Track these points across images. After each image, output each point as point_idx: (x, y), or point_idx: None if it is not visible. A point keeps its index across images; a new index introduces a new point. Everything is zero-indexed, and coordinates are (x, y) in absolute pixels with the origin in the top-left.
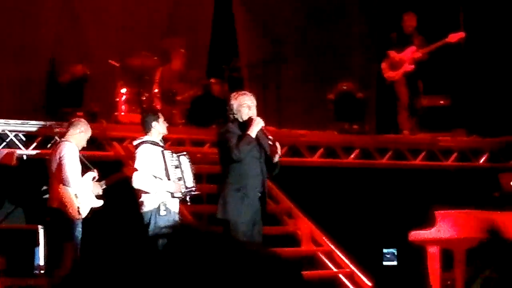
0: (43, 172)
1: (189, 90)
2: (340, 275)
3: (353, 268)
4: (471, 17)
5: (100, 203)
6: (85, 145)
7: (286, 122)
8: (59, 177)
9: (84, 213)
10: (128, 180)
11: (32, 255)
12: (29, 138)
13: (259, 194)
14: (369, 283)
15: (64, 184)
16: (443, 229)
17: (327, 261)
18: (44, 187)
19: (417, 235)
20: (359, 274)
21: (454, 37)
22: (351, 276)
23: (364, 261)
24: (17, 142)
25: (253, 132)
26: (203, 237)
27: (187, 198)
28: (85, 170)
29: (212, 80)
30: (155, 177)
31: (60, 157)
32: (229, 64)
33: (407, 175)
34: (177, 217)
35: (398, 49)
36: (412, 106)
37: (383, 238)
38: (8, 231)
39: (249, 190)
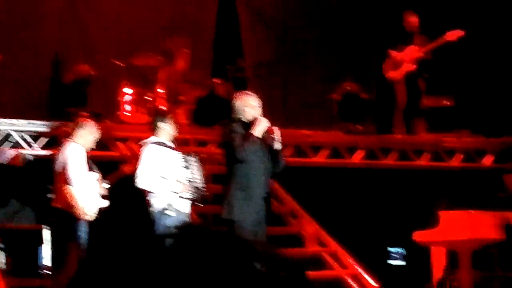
0: (48, 172)
1: (193, 90)
2: (346, 276)
3: (358, 268)
4: (475, 17)
5: (106, 203)
6: (93, 147)
7: (291, 122)
8: (63, 177)
9: (90, 213)
10: (129, 177)
11: (38, 255)
12: (34, 138)
13: (264, 195)
14: (375, 284)
15: (68, 184)
16: (447, 229)
17: (332, 262)
18: (49, 187)
19: (421, 235)
20: (364, 274)
21: (452, 35)
22: (356, 277)
23: (369, 262)
24: (22, 142)
25: (257, 131)
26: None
27: (199, 200)
28: (89, 170)
29: (216, 81)
30: (161, 177)
31: (65, 158)
32: (233, 64)
33: (412, 176)
34: (185, 218)
35: (400, 48)
36: (415, 107)
37: (388, 238)
38: (13, 231)
39: (254, 190)
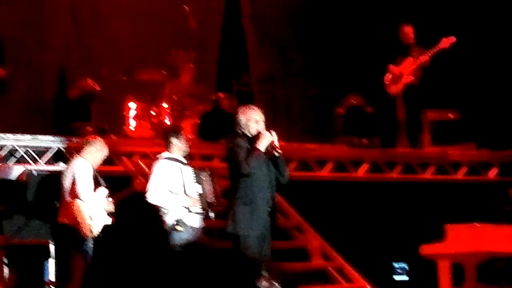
0: (53, 187)
1: (198, 105)
2: None
3: (364, 282)
4: (480, 30)
5: (110, 220)
6: (100, 164)
7: (295, 136)
8: (72, 193)
9: (96, 232)
10: (138, 194)
11: (43, 270)
12: (39, 153)
13: (269, 209)
14: None
15: (79, 199)
16: (453, 243)
17: (337, 276)
18: (55, 202)
19: (428, 249)
20: None
21: (445, 43)
22: None
23: (374, 276)
24: (27, 157)
25: (261, 146)
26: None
27: (211, 214)
28: (96, 187)
29: (221, 95)
30: (172, 192)
31: (73, 174)
32: (238, 79)
33: (417, 189)
34: (196, 233)
35: (398, 61)
36: (415, 119)
37: (393, 252)
38: (19, 247)
39: (259, 204)
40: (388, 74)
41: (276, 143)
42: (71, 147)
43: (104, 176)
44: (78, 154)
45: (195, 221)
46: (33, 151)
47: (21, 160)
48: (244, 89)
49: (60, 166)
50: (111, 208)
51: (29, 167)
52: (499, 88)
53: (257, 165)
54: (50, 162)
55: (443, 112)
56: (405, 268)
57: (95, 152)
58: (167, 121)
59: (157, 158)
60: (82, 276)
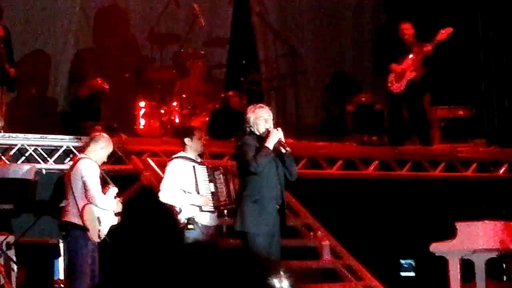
0: (62, 186)
1: (208, 103)
2: None
3: (374, 280)
4: (491, 28)
5: (116, 220)
6: (105, 160)
7: (305, 134)
8: (80, 195)
9: (102, 236)
10: (148, 193)
11: (52, 268)
12: (48, 152)
13: (277, 206)
14: None
15: (91, 203)
16: (463, 240)
17: (347, 274)
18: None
19: (438, 246)
20: (380, 286)
21: (444, 34)
22: None
23: (383, 273)
24: (36, 156)
25: (270, 144)
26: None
27: (225, 212)
28: (104, 186)
29: (231, 93)
30: (184, 191)
31: (82, 176)
32: (247, 77)
33: (427, 186)
34: (206, 231)
35: (400, 60)
36: (420, 115)
37: (403, 249)
38: (28, 245)
39: (267, 202)
40: (391, 73)
41: (283, 139)
42: (80, 146)
43: (114, 175)
44: (83, 153)
45: (207, 219)
46: (42, 150)
47: (30, 159)
48: (253, 87)
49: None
50: (119, 208)
51: (38, 166)
52: (510, 84)
53: (266, 163)
54: (59, 161)
55: (454, 109)
56: (412, 264)
57: (100, 149)
58: (177, 120)
59: (171, 158)
60: (89, 274)
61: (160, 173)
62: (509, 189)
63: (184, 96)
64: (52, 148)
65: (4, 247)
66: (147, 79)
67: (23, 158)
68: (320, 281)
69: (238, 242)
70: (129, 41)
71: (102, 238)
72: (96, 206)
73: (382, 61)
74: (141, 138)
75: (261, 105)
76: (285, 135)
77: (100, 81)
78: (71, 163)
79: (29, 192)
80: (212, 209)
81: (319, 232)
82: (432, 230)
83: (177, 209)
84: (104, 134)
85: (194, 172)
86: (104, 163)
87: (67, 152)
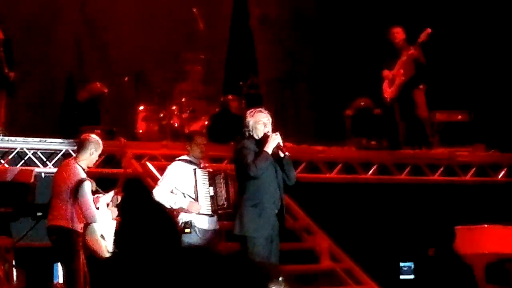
0: None
1: (207, 107)
2: None
3: (373, 284)
4: (491, 33)
5: (114, 224)
6: (97, 159)
7: (304, 138)
8: (66, 198)
9: (111, 249)
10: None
11: (52, 272)
12: (48, 156)
13: (276, 210)
14: None
15: (89, 222)
16: (462, 244)
17: (346, 278)
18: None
19: (437, 250)
20: None
21: (424, 36)
22: None
23: (382, 277)
24: (35, 160)
25: (269, 148)
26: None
27: (221, 216)
28: (94, 194)
29: (230, 97)
30: (184, 193)
31: (78, 196)
32: (246, 81)
33: (426, 191)
34: (204, 235)
35: (392, 65)
36: (413, 117)
37: (402, 253)
38: (27, 249)
39: (266, 206)
40: (385, 80)
41: (281, 144)
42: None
43: (112, 179)
44: (73, 158)
45: (206, 223)
46: (41, 153)
47: (29, 163)
48: (252, 91)
49: None
50: (115, 213)
51: (37, 169)
52: (509, 89)
53: (265, 168)
54: (58, 164)
55: (453, 113)
56: (411, 267)
57: (90, 156)
58: (176, 124)
59: (174, 160)
60: (84, 277)
61: (159, 177)
62: (508, 193)
63: (183, 100)
64: (51, 151)
65: (3, 251)
66: (147, 83)
67: (22, 161)
68: (319, 285)
69: (238, 246)
70: (128, 44)
71: (111, 252)
72: (95, 223)
73: (383, 64)
74: (140, 142)
75: (260, 109)
76: (284, 139)
77: (99, 85)
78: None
79: (28, 195)
80: (208, 212)
81: (318, 236)
82: (431, 234)
83: (178, 212)
84: (91, 136)
85: (195, 175)
86: (100, 165)
87: (66, 156)
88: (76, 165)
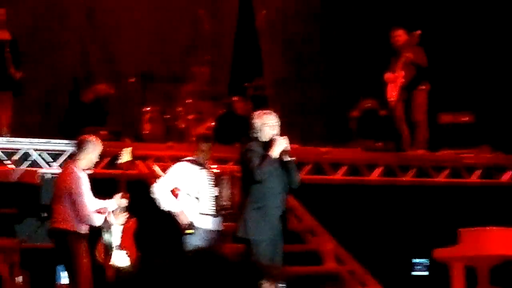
0: None
1: (213, 108)
2: None
3: (378, 286)
4: (495, 34)
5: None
6: (98, 160)
7: (310, 139)
8: (67, 202)
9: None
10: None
11: (55, 274)
12: (53, 157)
13: (280, 213)
14: None
15: (85, 223)
16: (466, 246)
17: (350, 279)
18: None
19: (441, 252)
20: None
21: (414, 38)
22: None
23: (387, 279)
24: (41, 161)
25: (275, 152)
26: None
27: (224, 216)
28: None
29: (235, 98)
30: (188, 194)
31: (73, 196)
32: (252, 82)
33: (431, 192)
34: (207, 235)
35: (392, 68)
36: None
37: (407, 255)
38: (32, 250)
39: (269, 209)
40: (388, 83)
41: (288, 148)
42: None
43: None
44: (72, 161)
45: (209, 223)
46: (47, 154)
47: (35, 164)
48: (258, 93)
49: None
50: (123, 219)
51: (42, 170)
52: None
53: (270, 171)
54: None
55: (458, 115)
56: (425, 264)
57: (89, 156)
58: (182, 125)
59: (180, 160)
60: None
61: None
62: None
63: (189, 101)
64: (57, 152)
65: (8, 252)
66: (153, 84)
67: (28, 162)
68: (323, 287)
69: (243, 248)
70: (134, 45)
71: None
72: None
73: (385, 67)
74: (146, 143)
75: (268, 111)
76: (290, 140)
77: (105, 86)
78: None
79: (33, 196)
80: (211, 213)
81: (323, 238)
82: (436, 236)
83: (177, 214)
84: (89, 137)
85: (199, 175)
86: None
87: (72, 157)
88: (74, 167)
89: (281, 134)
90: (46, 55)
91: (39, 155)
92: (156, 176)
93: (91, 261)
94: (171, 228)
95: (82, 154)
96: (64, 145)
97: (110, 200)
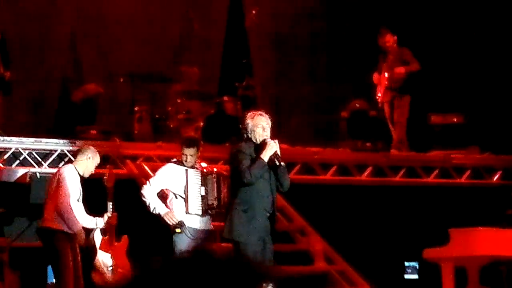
0: None
1: (202, 108)
2: None
3: (367, 286)
4: (484, 33)
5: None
6: (93, 172)
7: (299, 139)
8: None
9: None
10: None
11: (46, 273)
12: (43, 156)
13: (268, 214)
14: None
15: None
16: (456, 246)
17: (340, 279)
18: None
19: (431, 252)
20: None
21: (393, 45)
22: None
23: (376, 278)
24: (30, 160)
25: (266, 156)
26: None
27: (212, 216)
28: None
29: (225, 98)
30: (175, 194)
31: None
32: (242, 82)
33: (420, 193)
34: (195, 235)
35: (380, 70)
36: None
37: (396, 255)
38: (22, 249)
39: (257, 211)
40: (377, 85)
41: (279, 152)
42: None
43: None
44: (73, 162)
45: (197, 223)
46: (36, 153)
47: (24, 163)
48: (248, 93)
49: None
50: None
51: (32, 169)
52: (503, 92)
53: (259, 175)
54: (53, 165)
55: (447, 115)
56: (415, 267)
57: (86, 160)
58: (171, 125)
59: (169, 161)
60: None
61: None
62: (503, 196)
63: (179, 101)
64: (47, 152)
65: None
66: (143, 84)
67: (18, 161)
68: (313, 287)
69: (231, 247)
70: (124, 45)
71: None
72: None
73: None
74: (135, 142)
75: (261, 112)
76: (279, 141)
77: (94, 85)
78: None
79: (23, 196)
80: (198, 212)
81: (313, 238)
82: (426, 236)
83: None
84: (91, 146)
85: (186, 175)
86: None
87: (62, 156)
88: (72, 167)
89: (271, 137)
90: (36, 55)
91: (29, 154)
92: (145, 176)
93: (81, 261)
94: (161, 228)
95: (80, 156)
96: (54, 145)
97: (99, 218)
